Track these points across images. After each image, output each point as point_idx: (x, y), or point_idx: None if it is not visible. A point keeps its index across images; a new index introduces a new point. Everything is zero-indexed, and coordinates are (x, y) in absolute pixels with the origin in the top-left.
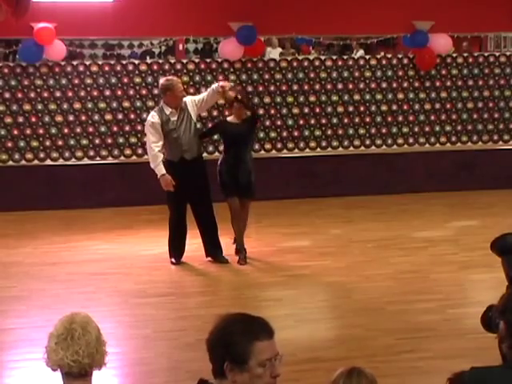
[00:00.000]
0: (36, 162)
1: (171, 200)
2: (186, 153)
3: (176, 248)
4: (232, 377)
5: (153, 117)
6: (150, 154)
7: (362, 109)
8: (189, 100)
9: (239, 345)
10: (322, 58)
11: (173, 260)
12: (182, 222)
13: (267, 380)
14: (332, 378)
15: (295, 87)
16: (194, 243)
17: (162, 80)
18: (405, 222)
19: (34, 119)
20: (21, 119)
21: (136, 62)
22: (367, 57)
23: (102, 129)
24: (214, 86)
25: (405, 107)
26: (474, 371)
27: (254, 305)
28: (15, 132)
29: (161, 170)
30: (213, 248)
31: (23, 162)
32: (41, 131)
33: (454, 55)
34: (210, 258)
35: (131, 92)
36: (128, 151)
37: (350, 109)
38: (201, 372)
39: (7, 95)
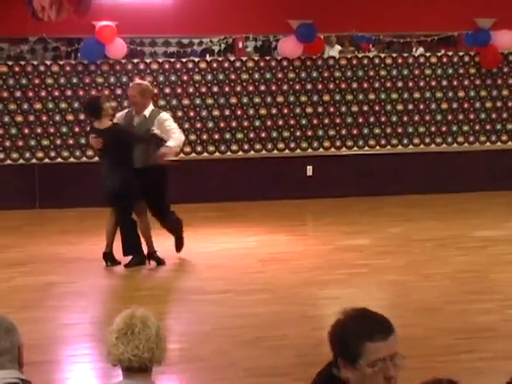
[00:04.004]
0: None
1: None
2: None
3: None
4: (345, 373)
5: None
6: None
7: (421, 107)
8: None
9: (350, 344)
10: (382, 55)
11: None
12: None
13: (380, 381)
14: None
15: (354, 85)
16: (253, 240)
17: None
18: (464, 221)
19: None
20: (81, 116)
21: (196, 59)
22: (427, 54)
23: None
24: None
25: (466, 105)
26: None
27: (311, 303)
28: (76, 129)
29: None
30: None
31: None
32: None
33: None
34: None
35: (191, 90)
36: (188, 149)
37: (410, 107)
38: (258, 370)
39: (69, 93)
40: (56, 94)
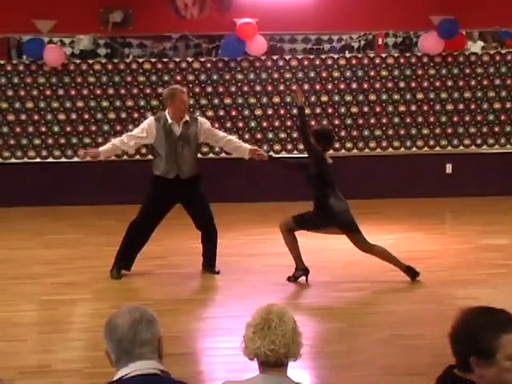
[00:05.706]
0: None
1: (150, 206)
2: (181, 171)
3: (126, 257)
4: (479, 371)
5: (150, 124)
6: (122, 142)
7: None
8: (204, 122)
9: (485, 338)
10: None
11: (114, 273)
12: (149, 232)
13: None
14: None
15: (497, 82)
16: (390, 238)
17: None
18: None
19: (234, 113)
20: (221, 112)
21: (335, 56)
22: None
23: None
24: (249, 149)
25: None
26: None
27: (449, 303)
28: (216, 125)
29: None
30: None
31: (223, 155)
32: (240, 124)
33: None
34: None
35: (329, 86)
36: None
37: None
38: (394, 368)
39: (209, 89)
40: (197, 90)
